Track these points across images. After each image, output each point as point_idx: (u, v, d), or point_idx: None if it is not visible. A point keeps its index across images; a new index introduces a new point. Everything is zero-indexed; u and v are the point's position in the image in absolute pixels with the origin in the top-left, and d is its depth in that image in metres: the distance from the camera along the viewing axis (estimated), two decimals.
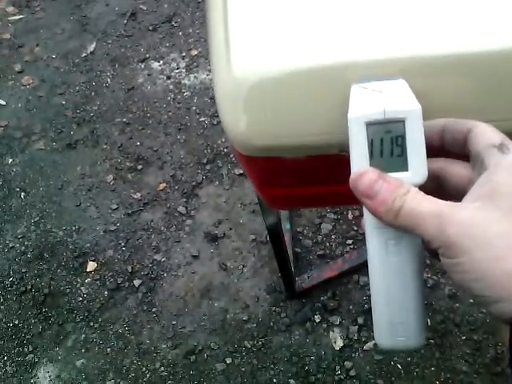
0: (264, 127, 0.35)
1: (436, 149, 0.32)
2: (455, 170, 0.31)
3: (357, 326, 1.25)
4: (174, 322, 1.32)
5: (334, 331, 1.25)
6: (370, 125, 0.30)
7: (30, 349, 1.32)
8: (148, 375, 1.25)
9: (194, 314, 1.33)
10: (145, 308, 1.35)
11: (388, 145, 0.30)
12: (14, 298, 1.41)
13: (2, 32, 2.16)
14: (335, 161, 0.36)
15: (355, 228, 1.41)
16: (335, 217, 1.44)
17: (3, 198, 1.63)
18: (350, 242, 1.39)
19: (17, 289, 1.43)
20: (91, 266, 1.45)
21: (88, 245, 1.50)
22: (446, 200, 0.28)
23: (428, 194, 0.28)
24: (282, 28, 0.35)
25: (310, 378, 1.20)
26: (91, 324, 1.34)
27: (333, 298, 1.30)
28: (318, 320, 1.27)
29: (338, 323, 1.26)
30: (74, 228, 1.54)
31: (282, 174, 0.41)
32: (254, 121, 0.35)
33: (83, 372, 1.27)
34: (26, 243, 1.52)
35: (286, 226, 1.40)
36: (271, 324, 1.28)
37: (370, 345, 1.22)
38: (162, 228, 1.50)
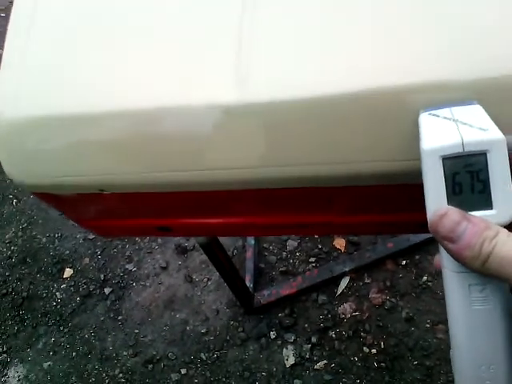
0: (25, 168, 0.39)
1: None
2: None
3: (310, 345, 1.25)
4: (137, 331, 1.37)
5: (287, 348, 1.27)
6: (446, 159, 0.27)
7: (5, 349, 1.41)
8: (107, 381, 1.30)
9: (156, 323, 1.37)
10: (112, 315, 1.41)
11: (468, 180, 0.27)
12: None
13: None
14: (104, 198, 0.39)
15: (320, 246, 1.42)
16: None
17: None
18: (313, 259, 1.40)
19: None
20: (68, 272, 1.53)
21: (67, 252, 1.57)
22: None
23: None
24: (42, 73, 0.38)
25: None
26: (61, 328, 1.41)
27: (290, 316, 1.31)
28: (273, 336, 1.29)
29: (292, 340, 1.27)
30: (56, 235, 1.62)
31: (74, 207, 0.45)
32: (15, 162, 0.39)
33: (49, 374, 1.34)
34: (12, 248, 1.62)
35: (250, 241, 1.43)
36: (228, 338, 1.31)
37: (320, 364, 1.22)
38: (137, 238, 1.56)
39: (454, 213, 0.26)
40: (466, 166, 0.27)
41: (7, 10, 2.43)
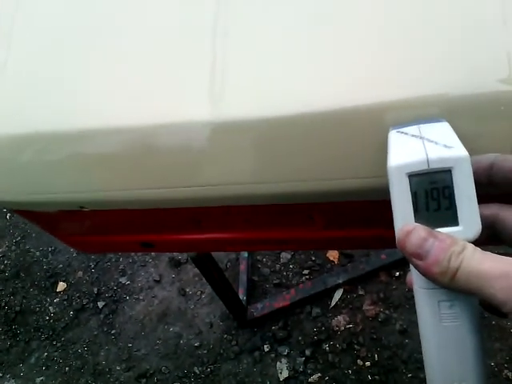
0: (3, 185, 0.39)
1: (482, 187, 0.28)
2: (510, 215, 0.28)
3: (304, 358, 1.24)
4: (130, 345, 1.36)
5: (281, 362, 1.26)
6: (412, 176, 0.27)
7: None
8: None
9: (149, 337, 1.36)
10: (105, 329, 1.40)
11: (434, 197, 0.27)
12: None
13: None
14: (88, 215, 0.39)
15: (313, 258, 1.42)
16: None
17: None
18: (306, 272, 1.40)
19: None
20: (61, 286, 1.52)
21: (61, 265, 1.57)
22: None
23: (480, 243, 0.26)
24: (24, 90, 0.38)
25: None
26: (54, 343, 1.40)
27: (283, 328, 1.30)
28: (266, 349, 1.28)
29: (285, 353, 1.26)
30: (50, 249, 1.62)
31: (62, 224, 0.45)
32: None
33: None
34: (5, 262, 1.62)
35: (243, 254, 1.42)
36: (221, 351, 1.30)
37: (314, 377, 1.22)
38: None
39: (421, 229, 0.26)
40: (432, 183, 0.27)
41: None
